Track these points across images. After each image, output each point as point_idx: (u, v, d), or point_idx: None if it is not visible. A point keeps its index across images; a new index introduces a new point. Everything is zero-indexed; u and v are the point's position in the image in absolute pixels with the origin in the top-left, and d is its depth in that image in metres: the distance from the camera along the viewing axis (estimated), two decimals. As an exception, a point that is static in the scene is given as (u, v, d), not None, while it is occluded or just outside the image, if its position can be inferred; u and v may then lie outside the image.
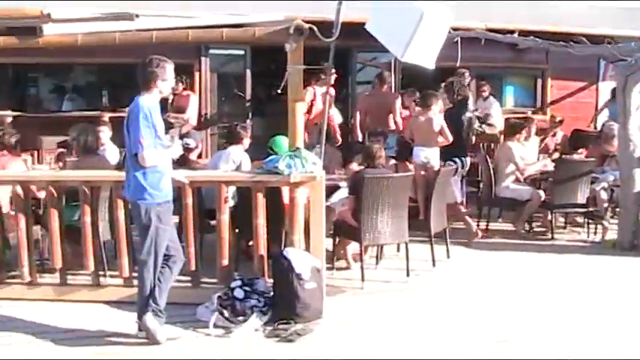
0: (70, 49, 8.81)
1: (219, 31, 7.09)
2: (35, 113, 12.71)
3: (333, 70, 11.12)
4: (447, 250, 8.59)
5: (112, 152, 9.15)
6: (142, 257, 5.75)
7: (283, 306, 6.26)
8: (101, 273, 7.07)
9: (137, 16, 7.41)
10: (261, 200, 6.54)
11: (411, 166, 9.34)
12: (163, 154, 5.74)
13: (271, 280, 6.55)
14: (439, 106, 9.50)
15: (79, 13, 7.66)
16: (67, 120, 11.73)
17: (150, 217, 5.65)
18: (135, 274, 6.62)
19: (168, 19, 7.93)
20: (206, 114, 12.73)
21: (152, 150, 5.55)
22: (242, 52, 12.93)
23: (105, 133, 9.23)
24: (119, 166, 8.23)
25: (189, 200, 6.52)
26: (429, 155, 9.20)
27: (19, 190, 6.77)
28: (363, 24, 6.50)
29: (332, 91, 11.15)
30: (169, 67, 5.81)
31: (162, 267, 5.82)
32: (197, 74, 12.59)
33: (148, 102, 5.62)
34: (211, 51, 12.63)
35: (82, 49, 7.89)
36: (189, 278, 6.75)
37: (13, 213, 7.17)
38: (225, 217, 6.58)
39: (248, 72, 13.12)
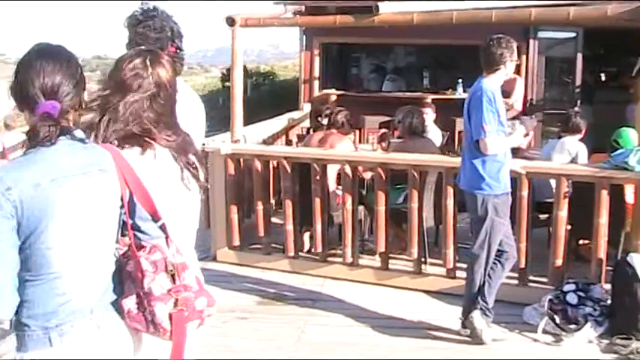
0: (392, 30, 8.69)
1: (565, 10, 6.48)
2: (356, 93, 12.84)
3: None
4: None
5: (434, 135, 8.90)
6: (475, 251, 5.37)
7: (623, 318, 5.56)
8: (421, 260, 6.81)
9: (475, -7, 7.07)
10: (604, 198, 5.88)
11: None
12: (505, 142, 5.31)
13: (608, 287, 5.88)
14: None
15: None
16: (387, 100, 11.76)
17: (486, 208, 5.24)
18: (459, 266, 6.35)
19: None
20: (531, 99, 12.02)
21: (494, 137, 5.13)
22: (573, 35, 12.07)
23: (429, 115, 9.00)
24: (442, 151, 7.99)
25: (525, 192, 6.03)
26: None
27: (347, 169, 6.68)
28: None
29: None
30: (515, 47, 5.37)
31: (494, 263, 5.40)
32: (524, 57, 11.94)
33: (492, 85, 5.22)
34: (540, 33, 11.90)
35: (402, 29, 7.70)
36: (516, 275, 6.25)
37: (338, 192, 7.16)
38: (562, 214, 6.01)
39: (579, 56, 12.23)
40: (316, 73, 12.48)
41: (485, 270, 5.37)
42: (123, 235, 2.59)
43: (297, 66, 14.67)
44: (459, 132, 10.86)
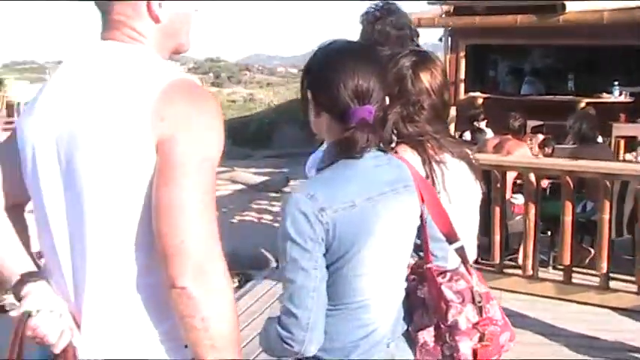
0: (542, 32, 8.30)
1: None
2: (501, 95, 12.39)
3: None
4: None
5: (597, 141, 8.44)
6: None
7: None
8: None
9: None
10: None
11: None
12: None
13: None
14: None
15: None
16: (535, 103, 11.29)
17: None
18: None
19: None
20: None
21: None
22: None
23: (589, 121, 8.55)
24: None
25: None
26: None
27: (531, 177, 6.31)
28: None
29: None
30: None
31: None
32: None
33: None
34: None
35: (533, 29, 7.38)
36: None
37: (513, 201, 6.83)
38: None
39: None
40: (461, 75, 12.05)
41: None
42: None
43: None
44: (616, 137, 10.34)
